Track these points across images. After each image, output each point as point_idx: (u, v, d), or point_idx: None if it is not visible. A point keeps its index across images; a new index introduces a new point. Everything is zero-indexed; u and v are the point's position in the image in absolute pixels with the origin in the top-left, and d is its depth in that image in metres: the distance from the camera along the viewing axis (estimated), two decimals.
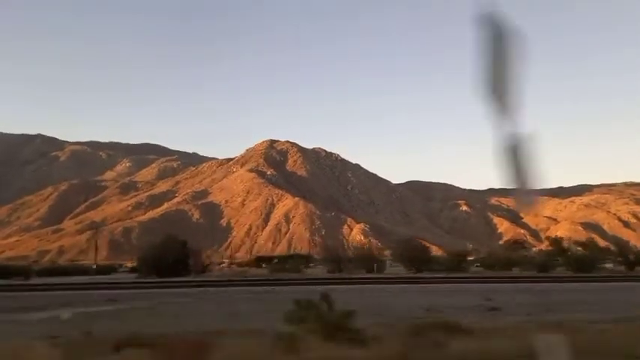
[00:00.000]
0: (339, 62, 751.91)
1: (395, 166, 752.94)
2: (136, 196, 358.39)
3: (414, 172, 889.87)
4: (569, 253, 70.11)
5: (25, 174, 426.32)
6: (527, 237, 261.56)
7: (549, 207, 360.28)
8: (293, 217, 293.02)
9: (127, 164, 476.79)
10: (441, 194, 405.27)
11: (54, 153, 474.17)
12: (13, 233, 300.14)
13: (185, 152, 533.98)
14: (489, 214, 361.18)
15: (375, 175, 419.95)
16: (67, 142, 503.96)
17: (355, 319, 10.10)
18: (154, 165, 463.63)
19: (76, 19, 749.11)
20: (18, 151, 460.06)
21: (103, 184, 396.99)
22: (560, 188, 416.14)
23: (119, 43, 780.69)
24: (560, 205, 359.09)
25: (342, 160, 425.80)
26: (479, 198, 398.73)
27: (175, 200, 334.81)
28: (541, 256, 74.47)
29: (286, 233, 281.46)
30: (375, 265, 55.06)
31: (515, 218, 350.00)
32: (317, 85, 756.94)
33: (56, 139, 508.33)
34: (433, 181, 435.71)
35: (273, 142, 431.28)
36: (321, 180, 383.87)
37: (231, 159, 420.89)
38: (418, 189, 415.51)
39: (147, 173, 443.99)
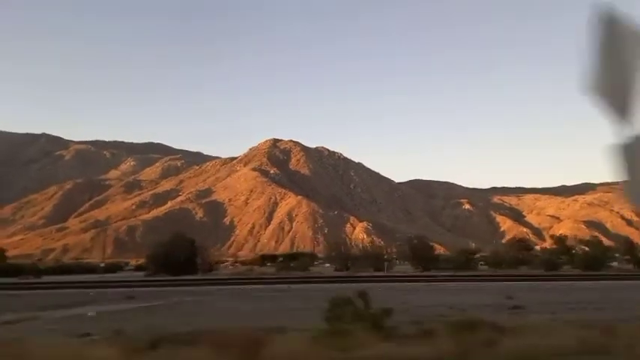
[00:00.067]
0: (340, 62, 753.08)
1: (397, 165, 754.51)
2: (140, 194, 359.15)
3: (417, 170, 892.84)
4: (573, 251, 70.17)
5: (29, 173, 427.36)
6: (530, 235, 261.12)
7: (552, 205, 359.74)
8: (296, 215, 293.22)
9: (131, 163, 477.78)
10: (443, 193, 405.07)
11: (58, 152, 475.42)
12: (17, 232, 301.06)
13: (189, 151, 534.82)
14: (492, 212, 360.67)
15: (377, 174, 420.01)
16: (72, 141, 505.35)
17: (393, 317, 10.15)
18: (157, 164, 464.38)
19: (77, 19, 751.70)
20: (22, 151, 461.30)
21: (107, 182, 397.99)
22: (563, 187, 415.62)
23: (120, 43, 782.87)
24: (563, 204, 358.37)
25: (345, 159, 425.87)
26: (481, 196, 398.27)
27: (179, 199, 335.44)
28: (546, 255, 74.40)
29: (289, 232, 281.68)
30: (386, 263, 55.03)
31: (517, 217, 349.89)
32: (319, 85, 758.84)
33: (61, 138, 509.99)
34: (435, 179, 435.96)
35: (276, 141, 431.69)
36: (324, 179, 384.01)
37: (234, 158, 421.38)
38: (420, 187, 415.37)
39: (151, 172, 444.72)
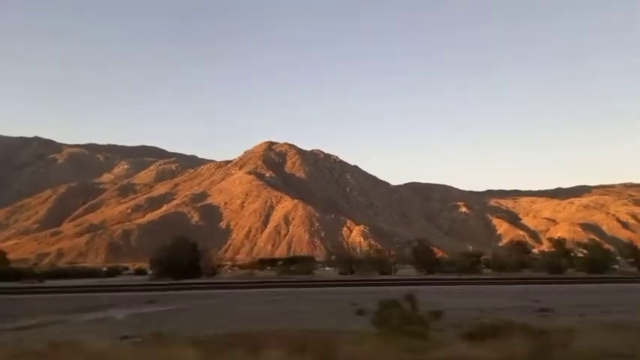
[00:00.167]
0: (339, 63, 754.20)
1: (394, 168, 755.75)
2: (134, 198, 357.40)
3: (413, 173, 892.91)
4: (572, 254, 70.35)
5: (22, 177, 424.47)
6: (527, 238, 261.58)
7: (548, 208, 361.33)
8: (292, 219, 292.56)
9: (125, 167, 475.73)
10: (440, 195, 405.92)
11: (52, 155, 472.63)
12: (11, 236, 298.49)
13: (183, 154, 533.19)
14: (488, 215, 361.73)
15: (374, 177, 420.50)
16: (65, 144, 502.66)
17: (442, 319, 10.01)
18: (152, 167, 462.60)
19: (76, 19, 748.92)
20: (15, 154, 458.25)
21: (101, 186, 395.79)
22: (559, 189, 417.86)
23: (120, 43, 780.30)
24: (559, 207, 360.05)
25: (341, 161, 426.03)
26: (478, 199, 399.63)
27: (174, 202, 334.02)
28: (546, 258, 74.51)
29: (286, 235, 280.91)
30: (393, 267, 54.88)
31: (514, 219, 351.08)
32: (316, 86, 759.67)
33: (54, 141, 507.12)
34: (432, 182, 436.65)
35: (271, 144, 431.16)
36: (320, 182, 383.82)
37: (229, 161, 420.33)
38: (417, 190, 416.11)
39: (145, 176, 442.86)
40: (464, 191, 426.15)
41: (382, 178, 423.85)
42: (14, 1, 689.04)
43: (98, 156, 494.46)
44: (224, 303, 20.02)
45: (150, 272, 70.75)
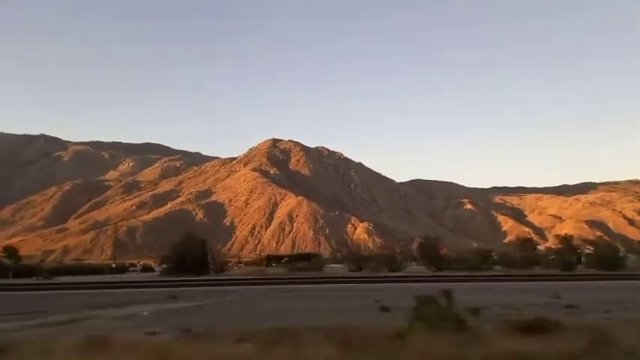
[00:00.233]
0: (340, 62, 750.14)
1: (398, 165, 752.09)
2: (139, 195, 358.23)
3: (417, 170, 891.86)
4: (579, 250, 70.29)
5: (28, 174, 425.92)
6: (532, 235, 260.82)
7: (554, 205, 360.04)
8: (296, 216, 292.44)
9: (130, 164, 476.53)
10: (444, 193, 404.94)
11: (57, 153, 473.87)
12: (17, 233, 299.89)
13: (188, 152, 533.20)
14: (493, 212, 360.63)
15: (378, 174, 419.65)
16: (70, 142, 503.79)
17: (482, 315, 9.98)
18: (156, 164, 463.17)
19: (77, 19, 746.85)
20: (21, 152, 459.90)
21: (106, 183, 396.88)
22: (565, 186, 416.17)
23: (120, 43, 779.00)
24: (565, 204, 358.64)
25: (345, 159, 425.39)
26: (482, 196, 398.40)
27: (179, 200, 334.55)
28: (552, 254, 74.51)
29: (290, 232, 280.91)
30: (406, 264, 54.82)
31: (519, 216, 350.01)
32: (316, 86, 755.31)
33: (59, 139, 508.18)
34: (436, 179, 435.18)
35: (276, 141, 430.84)
36: (324, 179, 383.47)
37: (234, 158, 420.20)
38: (421, 187, 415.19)
39: (150, 173, 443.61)
40: (468, 188, 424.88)
41: (386, 175, 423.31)
42: (14, 1, 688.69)
43: (103, 153, 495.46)
44: (245, 299, 20.05)
45: (157, 269, 71.11)
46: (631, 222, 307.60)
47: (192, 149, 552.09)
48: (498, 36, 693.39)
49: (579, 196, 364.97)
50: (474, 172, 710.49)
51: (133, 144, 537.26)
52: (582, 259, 67.43)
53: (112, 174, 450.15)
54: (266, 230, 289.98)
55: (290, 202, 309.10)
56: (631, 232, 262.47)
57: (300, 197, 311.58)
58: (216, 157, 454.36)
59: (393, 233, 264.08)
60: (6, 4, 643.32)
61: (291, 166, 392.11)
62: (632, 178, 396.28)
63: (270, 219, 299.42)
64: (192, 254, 54.95)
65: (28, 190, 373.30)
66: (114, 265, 69.18)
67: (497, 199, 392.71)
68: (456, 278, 37.19)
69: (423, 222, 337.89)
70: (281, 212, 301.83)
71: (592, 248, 74.28)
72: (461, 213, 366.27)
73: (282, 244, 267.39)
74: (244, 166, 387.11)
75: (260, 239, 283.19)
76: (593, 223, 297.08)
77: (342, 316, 13.77)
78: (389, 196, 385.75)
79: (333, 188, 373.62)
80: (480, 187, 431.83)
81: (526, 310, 15.55)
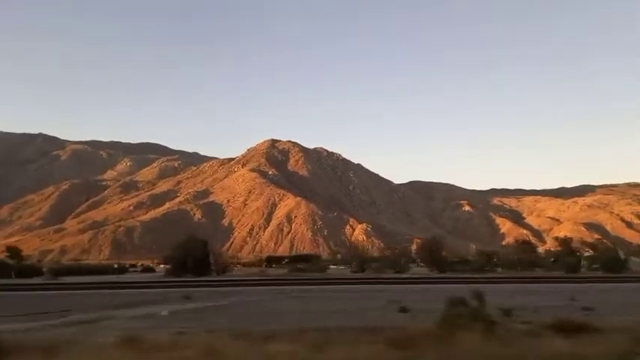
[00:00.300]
0: (340, 62, 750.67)
1: (397, 166, 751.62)
2: (137, 195, 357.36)
3: (416, 172, 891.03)
4: (578, 253, 70.37)
5: (26, 173, 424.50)
6: (530, 237, 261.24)
7: (552, 207, 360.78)
8: (295, 217, 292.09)
9: (128, 164, 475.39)
10: (442, 194, 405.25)
11: (55, 152, 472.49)
12: (14, 232, 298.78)
13: (186, 152, 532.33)
14: (491, 214, 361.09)
15: (376, 175, 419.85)
16: (68, 141, 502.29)
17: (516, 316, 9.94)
18: (154, 164, 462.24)
19: (76, 19, 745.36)
20: (19, 151, 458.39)
21: (104, 183, 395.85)
22: (563, 189, 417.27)
23: (120, 43, 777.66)
24: (562, 206, 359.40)
25: (344, 160, 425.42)
26: (481, 198, 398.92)
27: (177, 200, 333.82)
28: (559, 257, 74.44)
29: (288, 233, 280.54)
30: (411, 265, 54.83)
31: (517, 218, 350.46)
32: (316, 86, 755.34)
33: (57, 138, 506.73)
34: (435, 181, 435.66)
35: (274, 141, 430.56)
36: (323, 180, 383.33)
37: (232, 159, 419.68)
38: (420, 189, 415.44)
39: (148, 173, 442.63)
40: (467, 190, 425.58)
41: (385, 177, 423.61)
42: (14, 1, 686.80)
43: (101, 153, 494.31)
44: (259, 300, 19.99)
45: (160, 269, 70.93)
46: (629, 225, 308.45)
47: (190, 149, 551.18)
48: (498, 36, 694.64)
49: (577, 199, 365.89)
50: (472, 174, 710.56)
51: (131, 143, 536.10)
52: (582, 261, 67.56)
53: (109, 174, 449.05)
54: (264, 231, 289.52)
55: (288, 202, 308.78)
56: (629, 235, 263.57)
57: (298, 198, 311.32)
58: (215, 158, 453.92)
59: (391, 235, 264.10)
60: (6, 4, 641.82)
61: (289, 167, 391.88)
62: (630, 181, 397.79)
63: (268, 220, 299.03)
64: (193, 255, 54.80)
65: (26, 190, 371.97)
66: (116, 266, 69.02)
67: (496, 201, 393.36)
68: (462, 280, 37.16)
69: (421, 223, 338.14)
70: (279, 213, 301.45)
71: (591, 251, 74.54)
72: (459, 215, 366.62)
73: (280, 245, 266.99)
74: (242, 167, 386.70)
75: (258, 240, 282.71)
76: (591, 226, 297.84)
77: (363, 316, 13.73)
78: (387, 198, 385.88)
79: (332, 189, 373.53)
80: (478, 188, 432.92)
81: (545, 313, 15.54)
